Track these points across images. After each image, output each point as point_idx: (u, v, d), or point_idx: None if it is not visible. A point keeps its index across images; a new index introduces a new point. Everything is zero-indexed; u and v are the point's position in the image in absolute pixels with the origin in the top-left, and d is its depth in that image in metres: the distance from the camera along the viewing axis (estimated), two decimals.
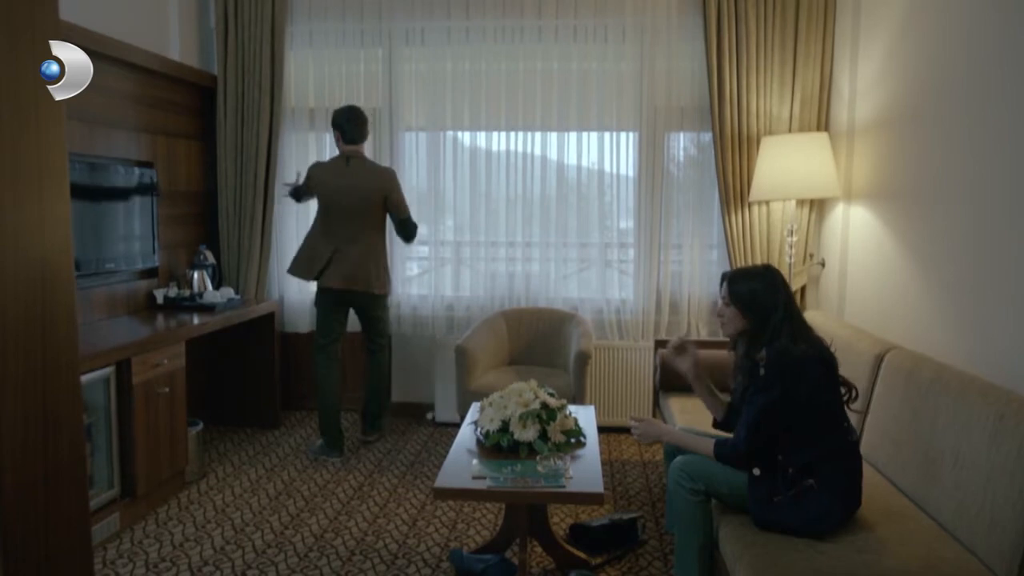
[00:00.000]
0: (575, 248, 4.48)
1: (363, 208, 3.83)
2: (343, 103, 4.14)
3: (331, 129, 3.93)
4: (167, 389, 3.27)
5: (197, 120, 4.40)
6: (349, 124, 3.83)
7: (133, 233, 3.78)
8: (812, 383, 2.15)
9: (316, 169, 3.92)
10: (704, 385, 2.60)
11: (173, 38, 4.24)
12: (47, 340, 1.75)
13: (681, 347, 2.62)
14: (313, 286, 4.03)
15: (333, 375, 3.97)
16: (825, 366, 2.19)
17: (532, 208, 4.43)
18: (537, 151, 4.40)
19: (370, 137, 4.03)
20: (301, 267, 3.91)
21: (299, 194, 4.00)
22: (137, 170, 3.80)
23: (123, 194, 3.68)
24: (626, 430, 3.76)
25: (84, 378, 2.80)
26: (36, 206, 1.70)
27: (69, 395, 1.82)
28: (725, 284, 2.37)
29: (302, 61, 4.51)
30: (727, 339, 2.44)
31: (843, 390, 2.24)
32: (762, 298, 2.27)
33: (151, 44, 3.90)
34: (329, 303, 3.93)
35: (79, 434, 1.89)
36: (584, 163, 4.40)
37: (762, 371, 2.19)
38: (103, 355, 2.92)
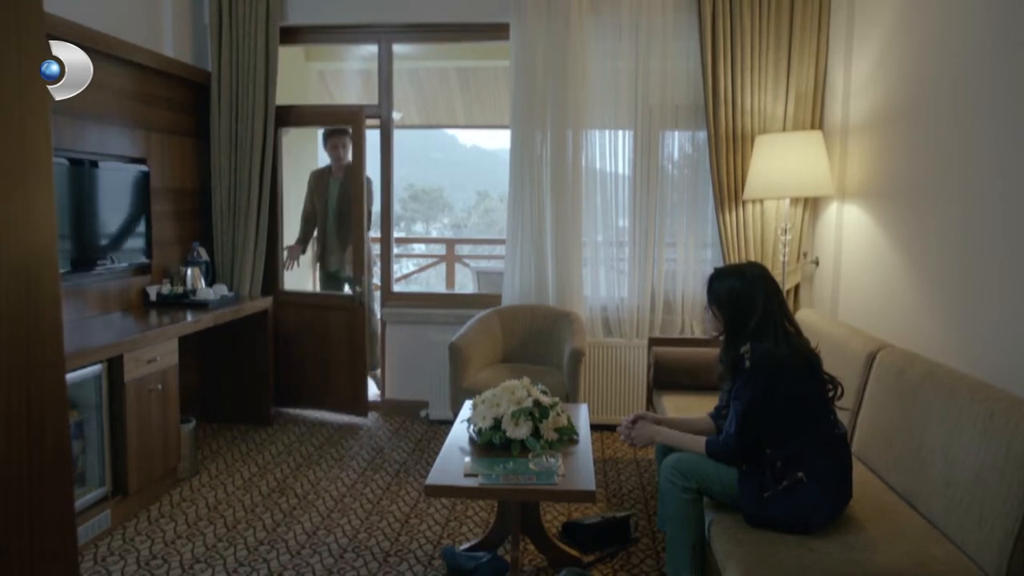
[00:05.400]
0: (572, 246, 4.46)
1: (348, 210, 4.59)
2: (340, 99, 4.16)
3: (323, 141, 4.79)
4: (159, 386, 3.26)
5: (191, 117, 4.38)
6: (330, 138, 4.72)
7: (126, 230, 3.77)
8: (794, 382, 2.15)
9: (314, 178, 4.84)
10: (675, 430, 2.52)
11: (167, 34, 4.23)
12: (32, 337, 1.74)
13: (634, 420, 2.58)
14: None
15: None
16: (808, 365, 2.19)
17: (530, 204, 4.40)
18: (536, 149, 4.37)
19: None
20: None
21: (309, 226, 4.87)
22: (130, 166, 3.78)
23: (116, 191, 3.67)
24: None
25: (76, 375, 2.79)
26: (20, 201, 1.69)
27: (54, 392, 1.81)
28: (706, 284, 2.37)
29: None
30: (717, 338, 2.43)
31: (828, 387, 2.24)
32: (739, 294, 2.26)
33: (145, 40, 3.90)
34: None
35: (64, 431, 1.88)
36: (581, 161, 4.38)
37: (747, 363, 2.19)
38: (95, 352, 2.91)
